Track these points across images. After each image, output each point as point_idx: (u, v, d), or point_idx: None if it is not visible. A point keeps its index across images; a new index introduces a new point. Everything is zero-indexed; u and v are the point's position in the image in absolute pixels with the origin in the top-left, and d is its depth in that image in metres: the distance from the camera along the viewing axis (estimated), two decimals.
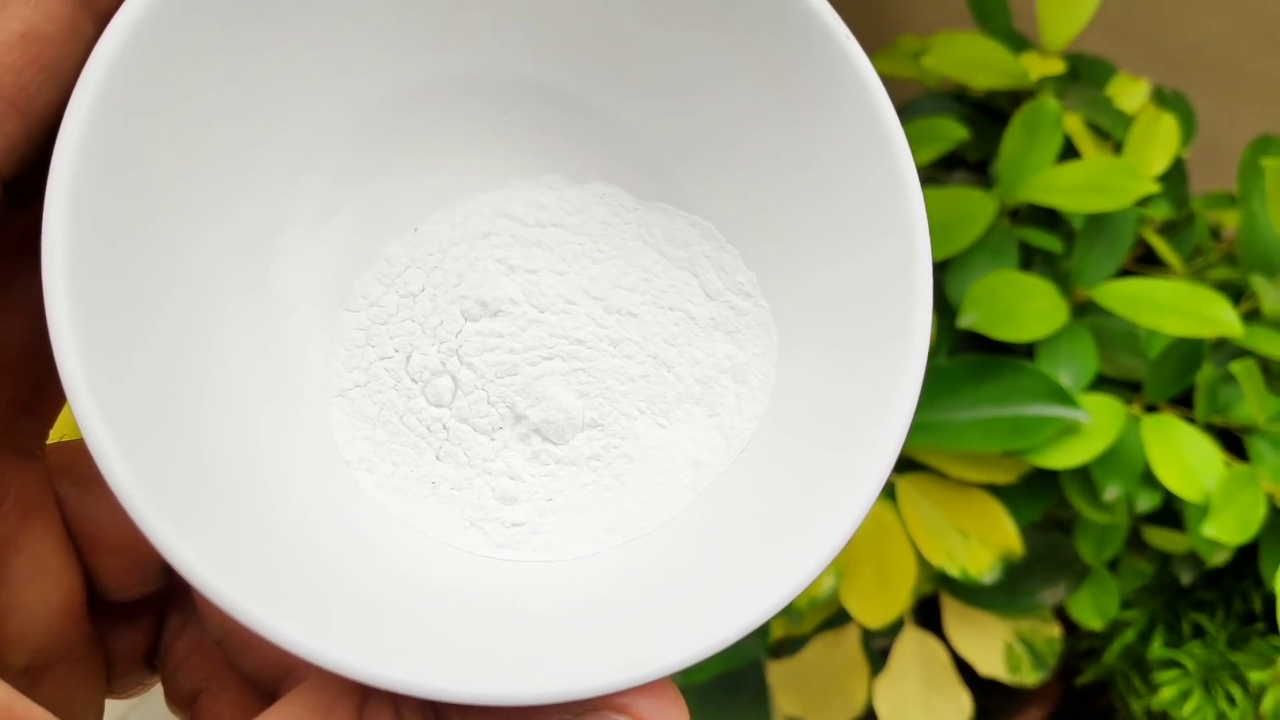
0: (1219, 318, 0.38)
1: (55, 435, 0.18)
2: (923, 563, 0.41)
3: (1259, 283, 0.41)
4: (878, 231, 0.18)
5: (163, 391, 0.15)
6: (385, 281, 0.19)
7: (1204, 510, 0.38)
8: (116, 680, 0.19)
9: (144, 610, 0.20)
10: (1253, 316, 0.41)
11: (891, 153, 0.17)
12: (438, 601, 0.17)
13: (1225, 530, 0.37)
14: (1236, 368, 0.39)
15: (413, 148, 0.19)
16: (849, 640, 0.46)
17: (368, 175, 0.19)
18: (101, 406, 0.14)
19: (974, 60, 0.44)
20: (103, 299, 0.14)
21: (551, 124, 0.20)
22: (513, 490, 0.19)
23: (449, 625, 0.17)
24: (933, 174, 0.48)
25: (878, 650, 0.47)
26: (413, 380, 0.19)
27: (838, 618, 0.46)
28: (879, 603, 0.41)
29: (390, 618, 0.16)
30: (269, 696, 0.19)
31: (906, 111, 0.48)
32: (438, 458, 0.19)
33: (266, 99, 0.18)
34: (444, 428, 0.19)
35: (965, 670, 0.46)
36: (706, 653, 0.15)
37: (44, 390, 0.17)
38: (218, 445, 0.16)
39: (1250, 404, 0.39)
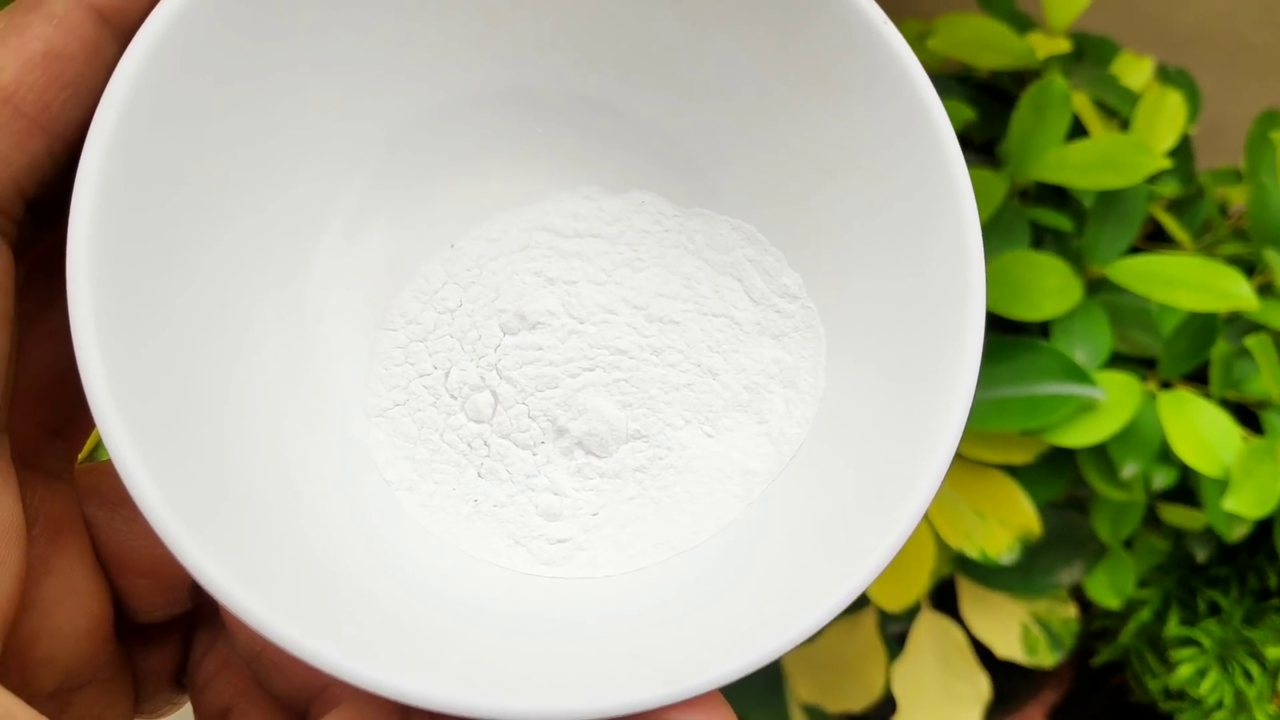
0: (1234, 292, 0.38)
1: (83, 455, 0.18)
2: (940, 545, 0.41)
3: (1272, 256, 0.41)
4: (931, 250, 0.17)
5: (191, 412, 0.15)
6: (423, 299, 0.19)
7: (1222, 486, 0.38)
8: (145, 700, 0.19)
9: (172, 629, 0.19)
10: (1265, 291, 0.41)
11: (945, 162, 0.17)
12: (478, 619, 0.17)
13: (1245, 504, 0.37)
14: (1251, 342, 0.39)
15: (447, 164, 0.19)
16: (865, 625, 0.46)
17: (402, 193, 0.19)
18: (129, 427, 0.13)
19: (979, 41, 0.44)
20: (128, 319, 0.14)
21: (588, 134, 0.20)
22: (556, 506, 0.18)
23: (490, 642, 0.16)
24: None
25: (894, 635, 0.47)
26: (452, 397, 0.18)
27: (854, 602, 0.46)
28: (898, 585, 0.41)
29: (428, 636, 0.16)
30: (299, 716, 0.19)
31: None
32: (479, 475, 0.18)
33: (298, 116, 0.17)
34: (485, 444, 0.18)
35: (981, 652, 0.46)
36: (755, 665, 0.15)
37: (73, 415, 0.17)
38: (247, 465, 0.16)
39: (1265, 378, 0.39)
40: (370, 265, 0.19)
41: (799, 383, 0.19)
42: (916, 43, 0.46)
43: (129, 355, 0.14)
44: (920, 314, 0.17)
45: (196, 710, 0.20)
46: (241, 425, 0.16)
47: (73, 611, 0.16)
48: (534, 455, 0.18)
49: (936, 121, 0.17)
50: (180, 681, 0.20)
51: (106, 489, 0.17)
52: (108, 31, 0.14)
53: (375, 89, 0.18)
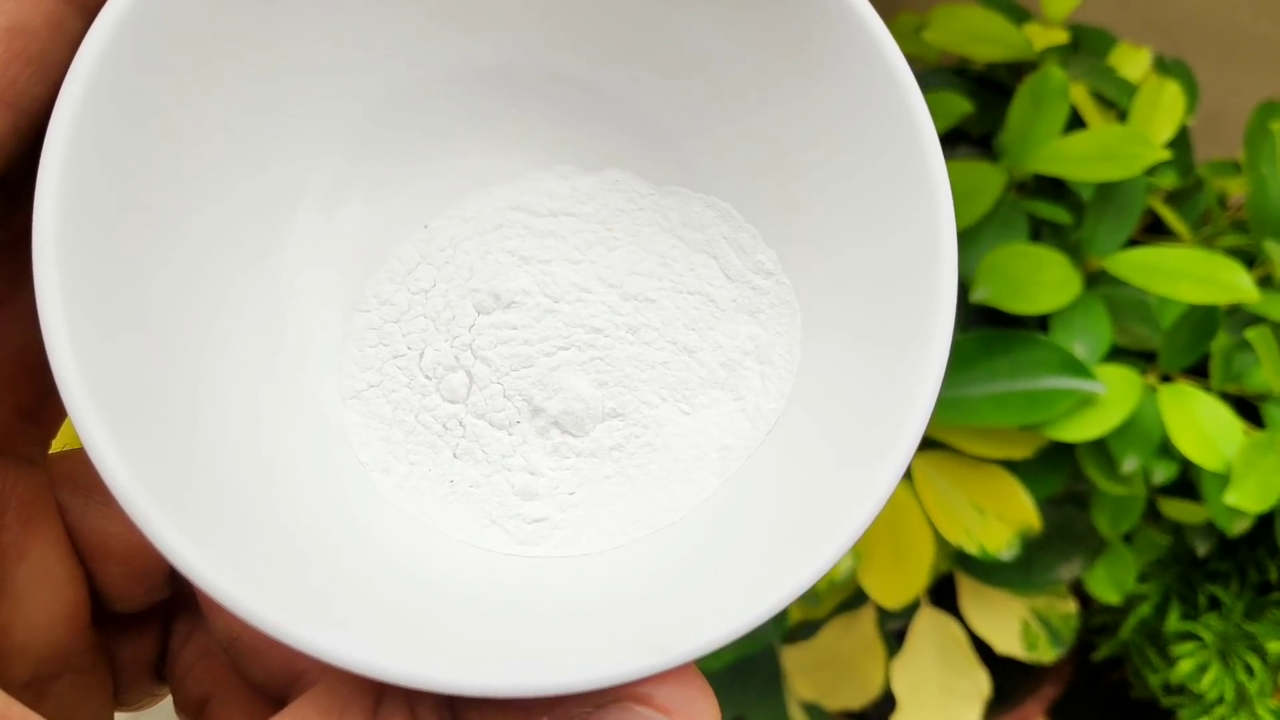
0: (1234, 283, 0.38)
1: (58, 445, 0.18)
2: (940, 541, 0.41)
3: (1272, 247, 0.40)
4: (901, 211, 0.17)
5: (163, 394, 0.15)
6: (396, 280, 0.19)
7: (1223, 480, 0.37)
8: (125, 692, 0.19)
9: (150, 619, 0.19)
10: (1265, 283, 0.41)
11: (913, 124, 0.17)
12: (454, 598, 0.17)
13: (1247, 498, 0.36)
14: (1252, 334, 0.38)
15: (421, 143, 0.19)
16: (865, 622, 0.46)
17: (376, 171, 0.19)
18: (99, 408, 0.13)
19: (976, 33, 0.44)
20: (97, 300, 0.14)
21: (562, 113, 0.19)
22: (533, 486, 0.18)
23: (466, 621, 0.16)
24: None
25: (893, 632, 0.47)
26: (426, 377, 0.18)
27: (853, 600, 0.45)
28: (897, 582, 0.40)
29: (404, 615, 0.16)
30: (278, 702, 0.19)
31: None
32: (455, 455, 0.18)
33: (270, 93, 0.17)
34: (460, 424, 0.18)
35: (981, 649, 0.45)
36: (729, 637, 0.14)
37: (47, 399, 0.17)
38: (221, 446, 0.16)
39: (1267, 371, 0.38)
40: (344, 244, 0.19)
41: (774, 358, 0.19)
42: (912, 35, 0.46)
43: (99, 337, 0.14)
44: (894, 279, 0.17)
45: (176, 700, 0.20)
46: (214, 406, 0.16)
47: (48, 599, 0.16)
48: (509, 435, 0.18)
49: (905, 89, 0.17)
50: (160, 672, 0.20)
51: (81, 475, 0.17)
52: (72, 7, 0.14)
53: (351, 66, 0.18)
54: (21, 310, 0.16)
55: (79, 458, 0.17)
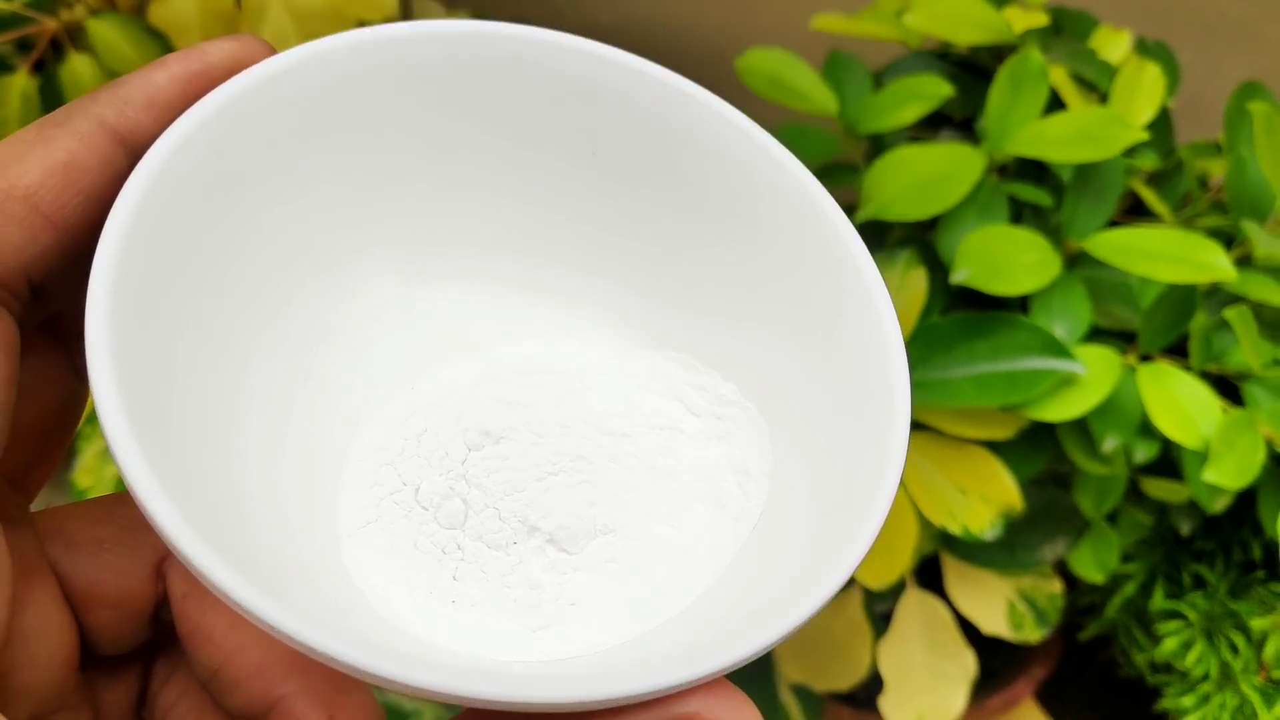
0: (1212, 263, 0.38)
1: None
2: (923, 522, 0.41)
3: (1250, 227, 0.41)
4: (842, 311, 0.19)
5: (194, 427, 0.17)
6: (388, 428, 0.20)
7: (1203, 457, 0.38)
8: None
9: (132, 662, 0.20)
10: (1244, 263, 0.41)
11: (863, 283, 0.19)
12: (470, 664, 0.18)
13: (1225, 475, 0.37)
14: (1230, 314, 0.39)
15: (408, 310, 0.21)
16: (851, 604, 0.46)
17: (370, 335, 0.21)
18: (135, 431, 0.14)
19: (957, 16, 0.44)
20: (140, 380, 0.15)
21: (541, 293, 0.22)
22: (534, 598, 0.19)
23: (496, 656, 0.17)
24: (918, 133, 0.47)
25: (880, 614, 0.47)
26: (423, 508, 0.19)
27: None
28: (881, 563, 0.41)
29: (436, 644, 0.17)
30: None
31: (890, 72, 0.48)
32: (455, 578, 0.19)
33: (283, 249, 0.19)
34: (459, 548, 0.19)
35: (968, 630, 0.46)
36: (764, 647, 0.15)
37: (31, 467, 0.19)
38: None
39: (1245, 350, 0.39)
40: (340, 405, 0.20)
41: (750, 467, 0.20)
42: (894, 19, 0.46)
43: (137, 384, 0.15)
44: (849, 388, 0.19)
45: None
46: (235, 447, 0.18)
47: (49, 643, 0.17)
48: (507, 555, 0.19)
49: (852, 249, 0.19)
50: (139, 714, 0.20)
51: (65, 531, 0.19)
52: (122, 150, 0.17)
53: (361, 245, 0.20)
54: (22, 389, 0.18)
55: (65, 514, 0.19)
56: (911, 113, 0.43)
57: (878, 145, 0.45)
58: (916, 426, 0.41)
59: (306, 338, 0.20)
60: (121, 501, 0.19)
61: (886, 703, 0.45)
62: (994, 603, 0.46)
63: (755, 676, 0.48)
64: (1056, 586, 0.46)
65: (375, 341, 0.20)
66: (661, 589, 0.19)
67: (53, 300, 0.18)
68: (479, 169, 0.21)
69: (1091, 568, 0.45)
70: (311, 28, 0.43)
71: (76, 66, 0.41)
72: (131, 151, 0.17)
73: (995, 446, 0.41)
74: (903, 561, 0.41)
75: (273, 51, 0.18)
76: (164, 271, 0.17)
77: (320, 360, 0.20)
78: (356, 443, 0.20)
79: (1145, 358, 0.41)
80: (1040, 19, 0.45)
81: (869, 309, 0.18)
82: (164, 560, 0.19)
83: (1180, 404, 0.38)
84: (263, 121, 0.18)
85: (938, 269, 0.41)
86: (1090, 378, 0.38)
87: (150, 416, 0.15)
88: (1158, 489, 0.44)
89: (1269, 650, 0.45)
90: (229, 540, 0.15)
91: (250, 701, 0.19)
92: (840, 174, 0.46)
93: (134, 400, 0.15)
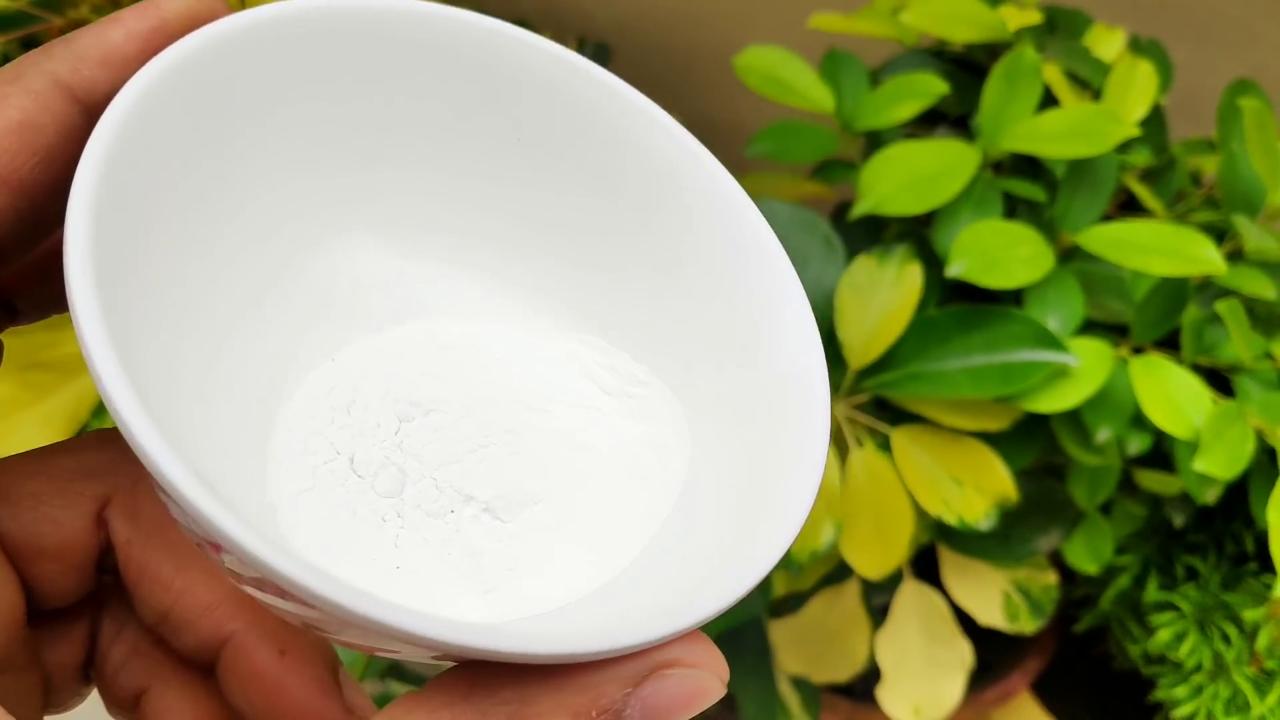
0: (1203, 256, 0.39)
1: None
2: (920, 513, 0.42)
3: (1241, 222, 0.41)
4: (743, 275, 0.20)
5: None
6: (313, 398, 0.20)
7: (1194, 447, 0.38)
8: (54, 693, 0.20)
9: (77, 621, 0.20)
10: (1235, 257, 0.42)
11: (768, 259, 0.19)
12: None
13: (1215, 465, 0.37)
14: (1221, 307, 0.39)
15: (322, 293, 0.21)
16: (849, 596, 0.47)
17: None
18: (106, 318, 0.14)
19: (952, 14, 0.45)
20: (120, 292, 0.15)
21: (463, 269, 0.22)
22: (476, 563, 0.19)
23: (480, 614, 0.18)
24: (914, 130, 0.48)
25: (878, 606, 0.47)
26: (359, 476, 0.19)
27: (838, 573, 0.46)
28: (878, 553, 0.41)
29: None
30: (208, 671, 0.20)
31: (886, 69, 0.48)
32: (396, 545, 0.19)
33: (248, 196, 0.19)
34: (399, 515, 0.19)
35: (964, 621, 0.46)
36: (734, 598, 0.15)
37: None
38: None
39: (1236, 343, 0.39)
40: (254, 371, 0.20)
41: (668, 443, 0.20)
42: (890, 17, 0.46)
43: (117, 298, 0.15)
44: (756, 354, 0.19)
45: (107, 700, 0.21)
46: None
47: None
48: (445, 523, 0.19)
49: (749, 217, 0.20)
50: (87, 674, 0.20)
51: (5, 486, 0.18)
52: (78, 108, 0.16)
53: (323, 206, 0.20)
54: None
55: (0, 470, 0.19)
56: (907, 110, 0.43)
57: (874, 142, 0.46)
58: (912, 418, 0.42)
59: (229, 303, 0.19)
60: (55, 452, 0.19)
61: (884, 694, 0.45)
62: (989, 594, 0.46)
63: (753, 668, 0.48)
64: (1051, 578, 0.47)
65: (291, 311, 0.20)
66: (597, 553, 0.19)
67: (3, 262, 0.17)
68: (410, 144, 0.20)
69: (1085, 559, 0.45)
70: None
71: None
72: (87, 110, 0.17)
73: (990, 438, 0.41)
74: (900, 550, 0.41)
75: (229, 9, 0.18)
76: (131, 229, 0.16)
77: (239, 331, 0.19)
78: (283, 412, 0.19)
79: (1138, 350, 0.42)
80: (1034, 17, 0.45)
81: (775, 280, 0.19)
82: (104, 508, 0.19)
83: (1172, 395, 0.39)
84: (218, 80, 0.17)
85: (933, 263, 0.42)
86: (1083, 370, 0.39)
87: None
88: (1151, 481, 0.44)
89: (1261, 641, 0.45)
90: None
91: (201, 640, 0.19)
92: (837, 170, 0.47)
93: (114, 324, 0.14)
